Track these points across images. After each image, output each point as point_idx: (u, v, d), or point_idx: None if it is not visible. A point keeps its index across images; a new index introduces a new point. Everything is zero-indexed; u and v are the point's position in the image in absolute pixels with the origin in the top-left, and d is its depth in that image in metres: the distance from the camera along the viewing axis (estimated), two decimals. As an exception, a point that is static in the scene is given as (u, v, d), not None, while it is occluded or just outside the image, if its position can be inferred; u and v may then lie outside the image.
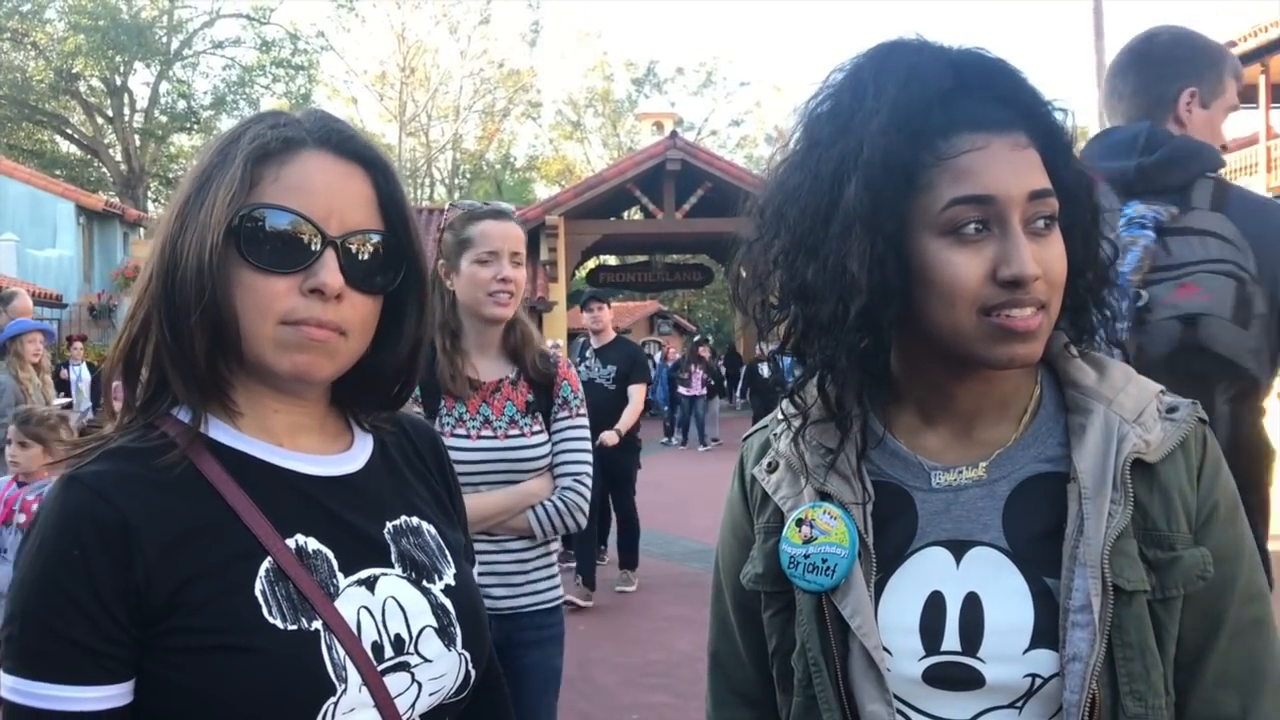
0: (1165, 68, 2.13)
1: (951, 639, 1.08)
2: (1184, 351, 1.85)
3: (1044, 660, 1.05)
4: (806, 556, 1.14)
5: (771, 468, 1.22)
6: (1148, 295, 1.87)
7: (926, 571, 1.11)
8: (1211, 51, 2.16)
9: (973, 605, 1.08)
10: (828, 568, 1.12)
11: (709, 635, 1.33)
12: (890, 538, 1.14)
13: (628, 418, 7.51)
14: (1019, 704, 1.07)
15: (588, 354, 7.83)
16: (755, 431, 1.29)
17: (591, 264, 31.97)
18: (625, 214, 30.21)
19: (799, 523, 1.16)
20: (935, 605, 1.10)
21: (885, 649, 1.10)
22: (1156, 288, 1.88)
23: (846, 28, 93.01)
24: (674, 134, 26.74)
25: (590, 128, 50.30)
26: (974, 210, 1.05)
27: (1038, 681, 1.06)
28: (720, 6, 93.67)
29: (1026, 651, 1.06)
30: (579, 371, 6.41)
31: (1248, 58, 20.68)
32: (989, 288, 1.05)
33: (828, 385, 1.16)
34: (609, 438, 7.25)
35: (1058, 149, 1.10)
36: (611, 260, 35.36)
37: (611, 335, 7.84)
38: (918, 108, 1.07)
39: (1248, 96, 22.42)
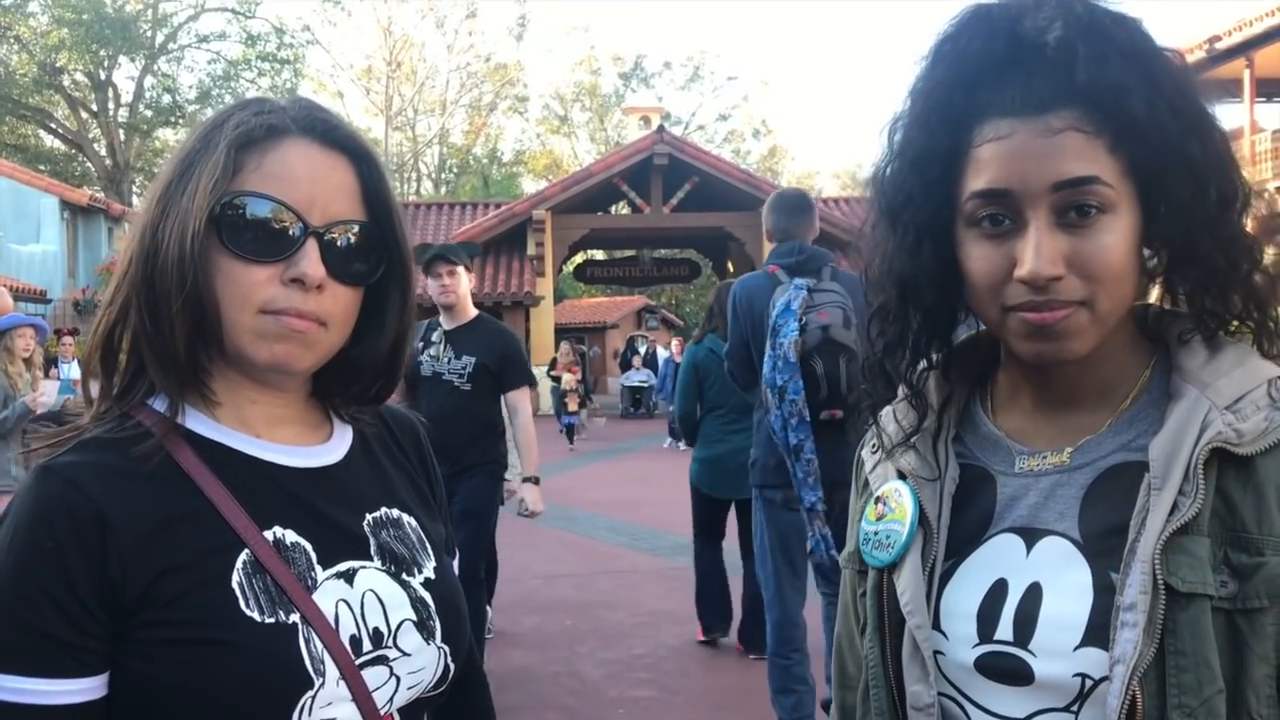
0: (805, 215, 4.52)
1: (1005, 628, 1.03)
2: (825, 343, 4.06)
3: (1094, 660, 0.98)
4: (876, 533, 1.13)
5: (874, 449, 1.22)
6: (806, 319, 4.09)
7: (996, 558, 1.07)
8: (813, 206, 4.62)
9: (1032, 596, 1.03)
10: (889, 544, 1.11)
11: (837, 618, 1.32)
12: (967, 521, 1.11)
13: (529, 452, 5.28)
14: (1074, 708, 1.00)
15: (434, 338, 5.29)
16: (873, 409, 1.25)
17: (579, 258, 31.97)
18: (612, 208, 30.21)
19: (876, 500, 1.16)
20: (997, 592, 1.05)
21: (943, 633, 1.07)
22: (809, 314, 4.10)
23: (834, 22, 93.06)
24: (661, 128, 26.76)
25: (577, 122, 50.29)
26: (990, 204, 1.01)
27: (1088, 683, 0.98)
28: (707, 1, 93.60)
29: (1077, 649, 0.99)
30: (420, 362, 5.19)
31: (1232, 52, 20.77)
32: (1011, 285, 1.01)
33: (903, 367, 1.16)
34: (531, 501, 5.31)
35: (1131, 122, 0.98)
36: (599, 255, 35.37)
37: (471, 313, 5.33)
38: (954, 92, 1.03)
39: (1232, 91, 22.51)
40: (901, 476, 1.15)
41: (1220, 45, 20.63)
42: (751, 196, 25.35)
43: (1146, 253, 1.06)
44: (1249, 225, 1.05)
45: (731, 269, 30.11)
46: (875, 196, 1.13)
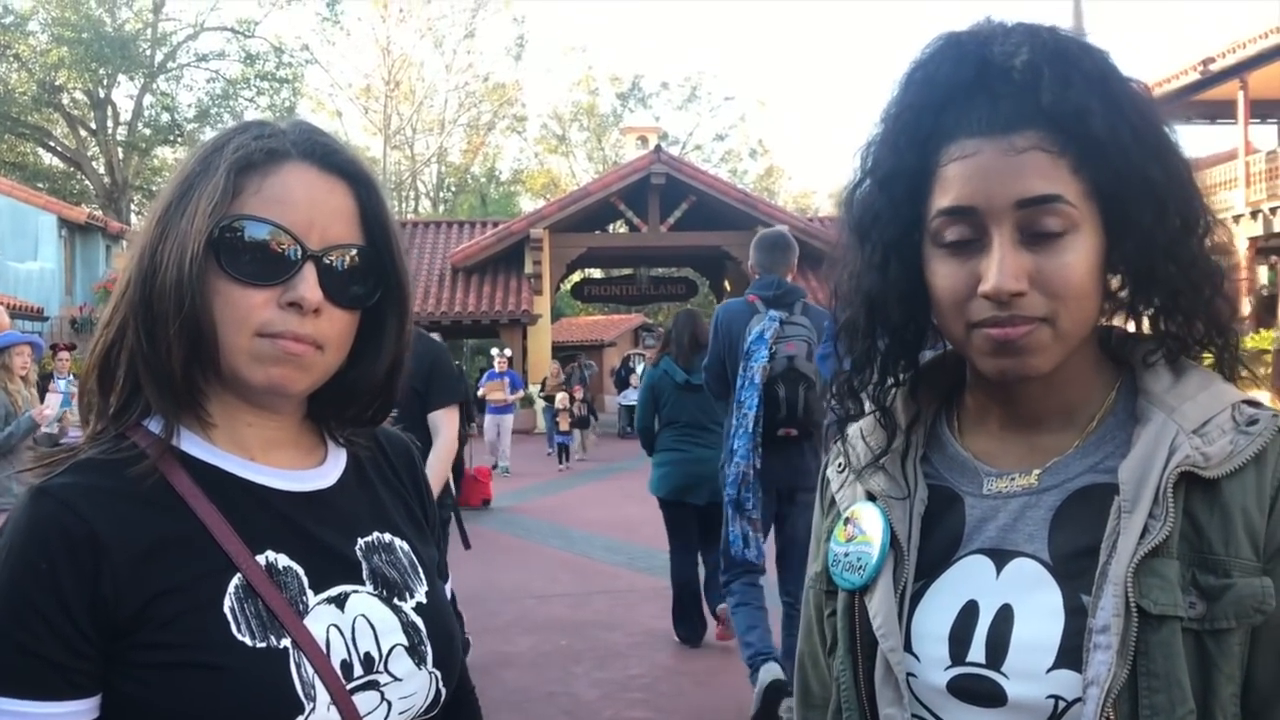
0: (784, 254, 5.11)
1: (978, 650, 1.04)
2: (789, 371, 4.77)
3: (1067, 682, 0.99)
4: (846, 555, 1.13)
5: (841, 469, 1.22)
6: (776, 348, 4.75)
7: (966, 580, 1.08)
8: (793, 245, 5.17)
9: (1004, 618, 1.04)
10: (860, 566, 1.11)
11: (799, 638, 1.32)
12: (936, 543, 1.11)
13: (438, 467, 4.47)
14: None
15: None
16: (839, 435, 1.26)
17: (576, 277, 31.98)
18: (610, 227, 30.26)
19: (846, 521, 1.16)
20: (968, 614, 1.06)
21: (915, 655, 1.08)
22: (778, 344, 4.78)
23: (831, 42, 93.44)
24: (658, 148, 26.85)
25: (575, 142, 50.42)
26: (955, 221, 1.03)
27: (1061, 705, 0.99)
28: (705, 22, 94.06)
29: (1050, 670, 1.00)
30: None
31: (1227, 73, 20.87)
32: (975, 301, 1.02)
33: (870, 386, 1.17)
34: None
35: (1093, 144, 1.00)
36: (596, 273, 35.40)
37: None
38: (922, 114, 1.05)
39: (1226, 112, 22.62)
40: (871, 498, 1.16)
41: (1214, 67, 20.73)
42: (748, 216, 25.40)
43: (1111, 276, 1.08)
44: (1210, 250, 1.07)
45: (728, 288, 30.12)
46: (844, 215, 1.16)
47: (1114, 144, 1.00)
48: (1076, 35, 1.05)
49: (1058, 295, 1.01)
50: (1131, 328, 1.13)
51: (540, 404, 21.79)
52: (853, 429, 1.21)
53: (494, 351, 17.32)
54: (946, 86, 1.05)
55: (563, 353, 29.74)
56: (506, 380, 16.11)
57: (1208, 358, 1.10)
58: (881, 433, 1.18)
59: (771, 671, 4.82)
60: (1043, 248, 1.01)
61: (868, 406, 1.19)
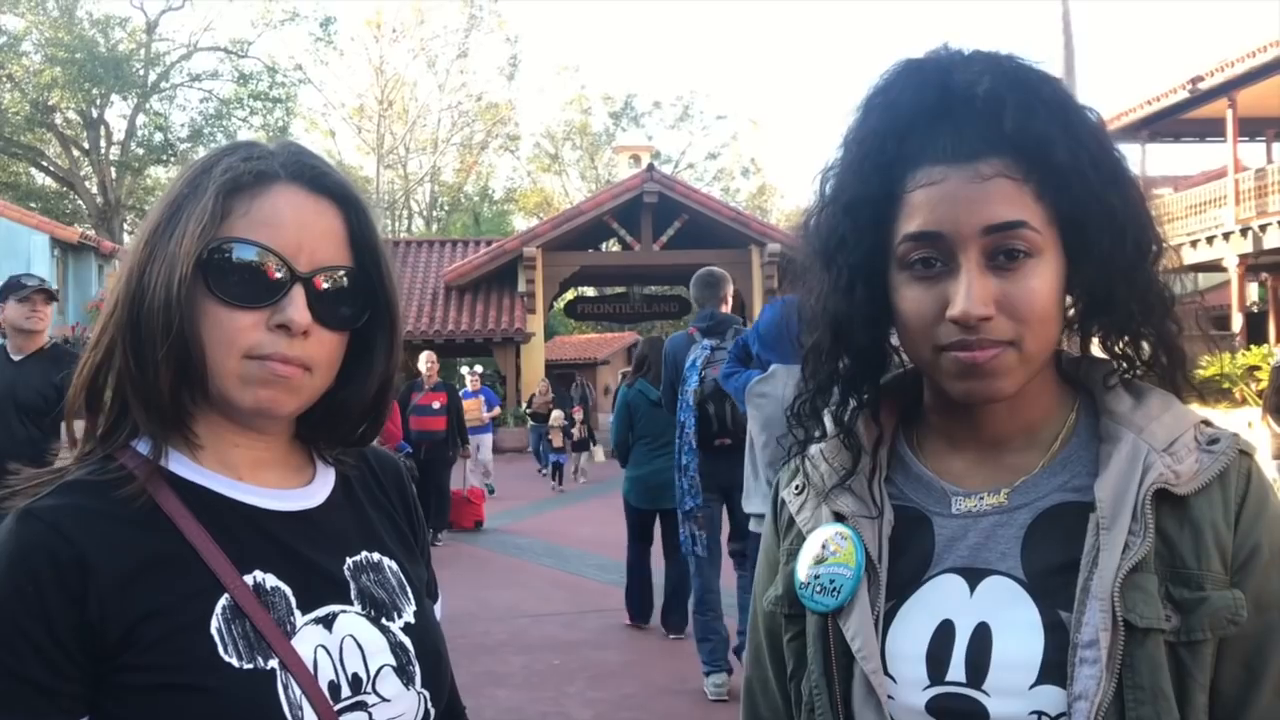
0: (715, 289, 5.97)
1: (957, 669, 1.04)
2: (716, 391, 5.55)
3: (1051, 697, 1.00)
4: (817, 577, 1.13)
5: (799, 490, 1.21)
6: (705, 373, 5.60)
7: (939, 599, 1.08)
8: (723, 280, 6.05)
9: (982, 636, 1.04)
10: (834, 588, 1.11)
11: (744, 663, 1.31)
12: (906, 563, 1.11)
13: None
14: None
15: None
16: (795, 454, 1.26)
17: (569, 295, 32.01)
18: (603, 246, 30.31)
19: (809, 543, 1.16)
20: (944, 634, 1.06)
21: (891, 676, 1.08)
22: (708, 369, 5.61)
23: (823, 63, 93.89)
24: (651, 167, 26.94)
25: (568, 160, 50.53)
26: (923, 247, 1.04)
27: None
28: (697, 41, 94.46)
29: (1033, 687, 1.01)
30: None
31: (1215, 92, 20.99)
32: (943, 325, 1.04)
33: (833, 408, 1.18)
34: None
35: (1055, 171, 1.02)
36: (589, 291, 35.43)
37: (43, 340, 5.18)
38: (886, 140, 1.07)
39: (1215, 130, 22.75)
40: (839, 519, 1.16)
41: (1203, 85, 20.85)
42: (741, 234, 25.49)
43: (1068, 299, 1.10)
44: (1161, 274, 1.10)
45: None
46: (808, 240, 1.17)
47: (1075, 171, 1.03)
48: (1033, 64, 1.08)
49: (1023, 319, 1.03)
50: (1077, 349, 1.16)
51: (529, 422, 21.44)
52: (814, 450, 1.22)
53: (464, 370, 16.60)
54: (909, 113, 1.06)
55: (556, 371, 29.70)
56: (481, 399, 15.71)
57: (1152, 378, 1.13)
58: (846, 454, 1.18)
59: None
60: (1008, 273, 1.03)
61: (830, 428, 1.20)
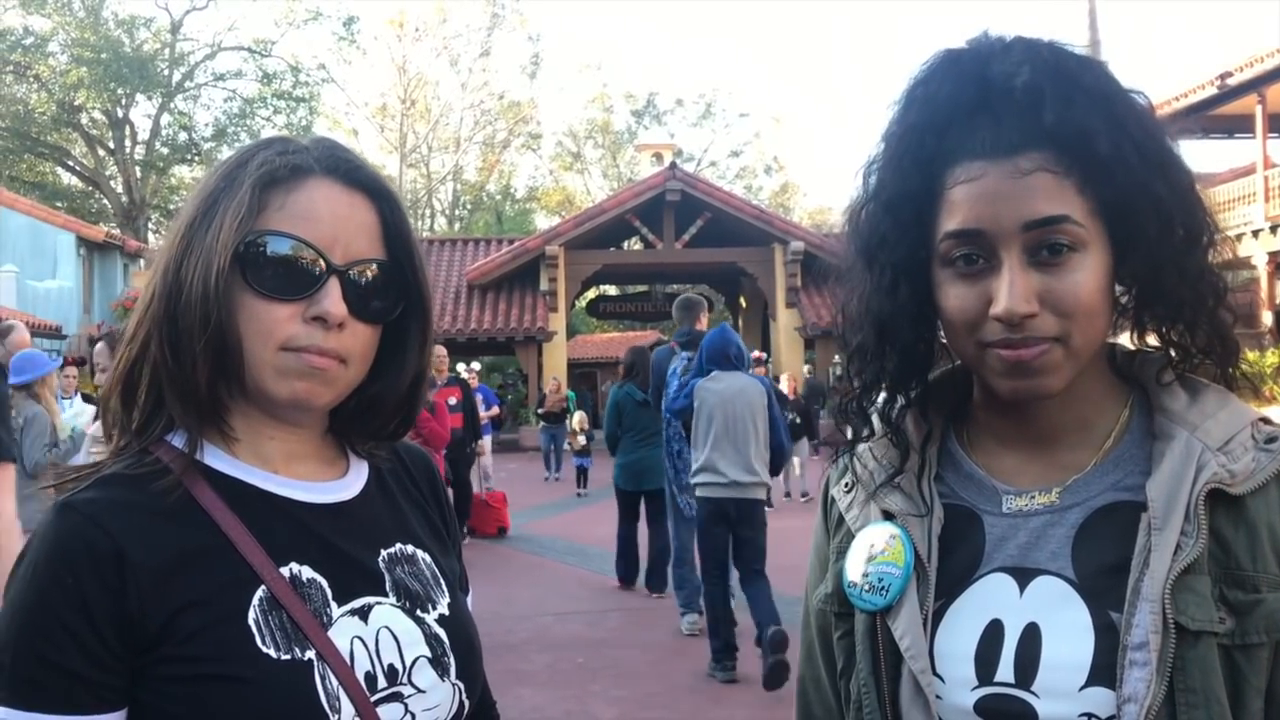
0: (691, 311, 7.57)
1: (1006, 670, 1.03)
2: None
3: (1100, 699, 0.98)
4: (866, 576, 1.12)
5: (849, 488, 1.20)
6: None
7: (988, 599, 1.06)
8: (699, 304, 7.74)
9: (1031, 636, 1.03)
10: (883, 587, 1.10)
11: (798, 661, 1.30)
12: (956, 562, 1.10)
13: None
14: None
15: None
16: (845, 453, 1.25)
17: (591, 294, 32.05)
18: (625, 244, 30.32)
19: (859, 541, 1.15)
20: (993, 634, 1.05)
21: (939, 676, 1.06)
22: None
23: (846, 59, 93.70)
24: (673, 165, 26.90)
25: (590, 159, 50.61)
26: (964, 244, 1.03)
27: None
28: (720, 39, 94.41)
29: (1082, 689, 0.99)
30: None
31: (1244, 87, 20.81)
32: (987, 323, 1.02)
33: (881, 406, 1.17)
34: None
35: (1098, 162, 1.00)
36: (612, 290, 35.47)
37: None
38: (925, 135, 1.06)
39: (1244, 127, 22.54)
40: (888, 516, 1.15)
41: (1232, 81, 20.67)
42: (764, 232, 25.43)
43: (1119, 289, 1.08)
44: (1215, 262, 1.07)
45: (744, 304, 30.16)
46: (851, 237, 1.16)
47: (1118, 161, 1.00)
48: (1075, 50, 1.05)
49: (1068, 314, 1.01)
50: (1135, 340, 1.14)
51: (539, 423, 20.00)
52: (862, 448, 1.21)
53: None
54: (948, 107, 1.05)
55: (578, 370, 29.71)
56: (479, 397, 14.93)
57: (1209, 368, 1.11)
58: (894, 451, 1.17)
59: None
60: (1052, 268, 1.01)
61: (878, 427, 1.18)
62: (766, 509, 6.61)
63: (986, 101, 1.03)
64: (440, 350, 11.61)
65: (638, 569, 9.00)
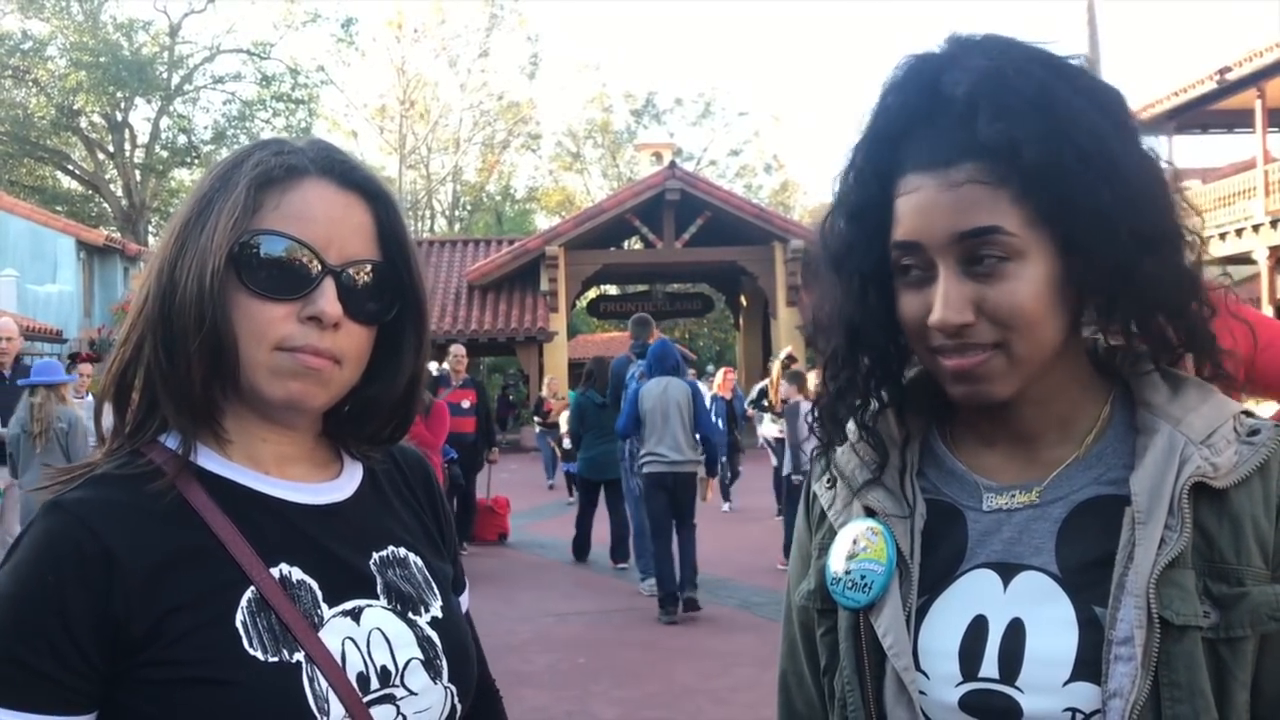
0: (645, 328, 9.37)
1: (990, 665, 1.03)
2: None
3: (1085, 694, 0.98)
4: (848, 573, 1.12)
5: (830, 484, 1.21)
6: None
7: (972, 594, 1.07)
8: (652, 322, 9.85)
9: (1015, 632, 1.03)
10: (865, 584, 1.10)
11: (779, 656, 1.31)
12: (939, 558, 1.10)
13: None
14: None
15: None
16: (823, 455, 1.25)
17: (592, 294, 32.05)
18: (625, 244, 30.34)
19: (840, 537, 1.15)
20: (977, 630, 1.05)
21: (923, 672, 1.07)
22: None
23: (845, 57, 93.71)
24: (673, 164, 26.92)
25: (590, 159, 50.60)
26: (906, 255, 1.05)
27: (1079, 718, 0.99)
28: (718, 38, 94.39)
29: (1067, 684, 0.99)
30: None
31: (1243, 82, 20.80)
32: (931, 330, 1.04)
33: (857, 409, 1.17)
34: None
35: (1031, 172, 0.99)
36: (612, 290, 35.48)
37: None
38: (882, 146, 1.07)
39: (1244, 122, 22.54)
40: (870, 513, 1.15)
41: (1231, 76, 20.66)
42: (764, 231, 25.44)
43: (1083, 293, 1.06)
44: (1188, 262, 1.06)
45: (744, 303, 30.15)
46: (821, 246, 1.17)
47: (1053, 171, 0.99)
48: (1038, 53, 1.04)
49: (1006, 323, 1.02)
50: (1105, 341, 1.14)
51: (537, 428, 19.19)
52: (842, 449, 1.21)
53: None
54: (901, 117, 1.07)
55: (580, 370, 29.68)
56: None
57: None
58: (874, 451, 1.17)
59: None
60: (987, 277, 1.02)
61: (853, 433, 1.19)
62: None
63: (933, 113, 1.05)
64: (459, 350, 11.32)
65: (589, 549, 10.47)
